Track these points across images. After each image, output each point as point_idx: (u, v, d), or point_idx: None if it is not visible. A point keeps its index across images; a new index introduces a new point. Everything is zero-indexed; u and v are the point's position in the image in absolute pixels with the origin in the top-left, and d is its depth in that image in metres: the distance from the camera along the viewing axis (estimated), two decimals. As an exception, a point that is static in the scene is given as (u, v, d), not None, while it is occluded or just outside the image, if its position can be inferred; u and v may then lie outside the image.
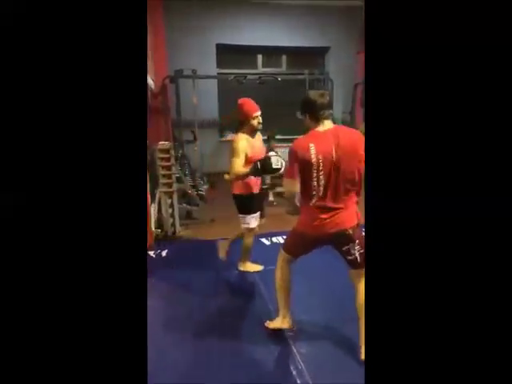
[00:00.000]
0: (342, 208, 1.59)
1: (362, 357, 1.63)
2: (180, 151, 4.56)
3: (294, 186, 1.62)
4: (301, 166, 1.55)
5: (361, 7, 5.87)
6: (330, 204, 1.57)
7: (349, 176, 1.55)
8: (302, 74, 5.86)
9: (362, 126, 5.73)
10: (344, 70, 6.33)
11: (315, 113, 1.58)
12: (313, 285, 2.41)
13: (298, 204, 1.70)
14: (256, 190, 2.40)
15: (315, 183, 1.55)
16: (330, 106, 1.62)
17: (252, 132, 2.32)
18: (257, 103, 2.35)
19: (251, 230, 2.45)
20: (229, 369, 1.72)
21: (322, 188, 1.55)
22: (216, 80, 5.94)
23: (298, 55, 6.47)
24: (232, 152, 2.25)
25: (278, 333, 1.90)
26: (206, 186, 4.84)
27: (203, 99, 5.66)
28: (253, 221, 2.41)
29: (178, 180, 3.51)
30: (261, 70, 6.38)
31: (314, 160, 1.52)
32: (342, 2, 5.98)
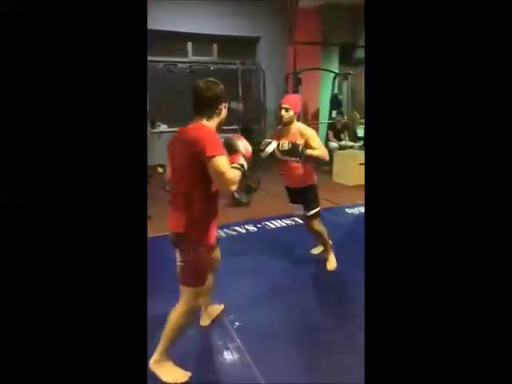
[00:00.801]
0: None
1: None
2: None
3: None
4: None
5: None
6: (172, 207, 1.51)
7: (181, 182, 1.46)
8: (234, 63, 5.84)
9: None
10: (275, 61, 6.42)
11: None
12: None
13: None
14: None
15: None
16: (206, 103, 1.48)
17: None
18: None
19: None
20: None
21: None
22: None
23: (229, 44, 6.40)
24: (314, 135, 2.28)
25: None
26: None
27: (131, 88, 5.35)
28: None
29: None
30: (191, 58, 6.19)
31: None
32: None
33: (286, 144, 2.13)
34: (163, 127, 5.92)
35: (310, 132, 2.25)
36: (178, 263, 1.45)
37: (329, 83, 6.69)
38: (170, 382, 1.48)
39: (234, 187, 1.33)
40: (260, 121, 6.50)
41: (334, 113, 6.65)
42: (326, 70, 6.55)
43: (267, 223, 3.43)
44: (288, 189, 2.47)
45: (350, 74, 6.31)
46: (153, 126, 6.02)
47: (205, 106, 1.42)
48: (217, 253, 1.74)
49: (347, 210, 3.79)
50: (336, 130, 6.03)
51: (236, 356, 1.69)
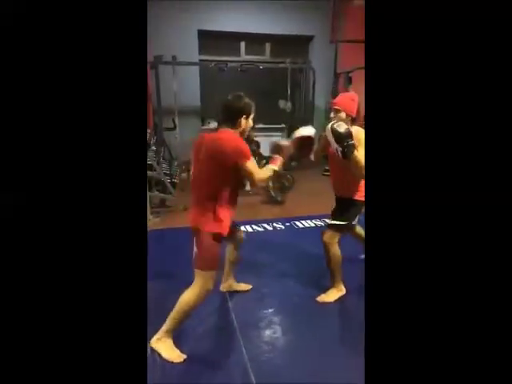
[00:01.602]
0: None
1: None
2: (154, 138, 4.56)
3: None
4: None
5: None
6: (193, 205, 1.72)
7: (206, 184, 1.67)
8: (284, 62, 5.85)
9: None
10: (327, 60, 6.32)
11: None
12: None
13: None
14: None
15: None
16: (230, 114, 1.65)
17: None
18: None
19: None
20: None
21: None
22: (198, 67, 5.89)
23: (282, 43, 6.43)
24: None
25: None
26: (184, 174, 4.87)
27: (185, 86, 5.63)
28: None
29: (149, 168, 3.53)
30: (244, 57, 6.34)
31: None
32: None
33: (342, 126, 1.74)
34: (213, 125, 6.14)
35: (360, 139, 1.82)
36: (194, 250, 1.63)
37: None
38: (168, 359, 1.63)
39: (263, 184, 1.62)
40: (308, 120, 6.45)
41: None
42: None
43: (296, 222, 3.44)
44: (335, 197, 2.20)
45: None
46: (203, 123, 6.28)
47: (229, 117, 1.61)
48: (240, 233, 2.03)
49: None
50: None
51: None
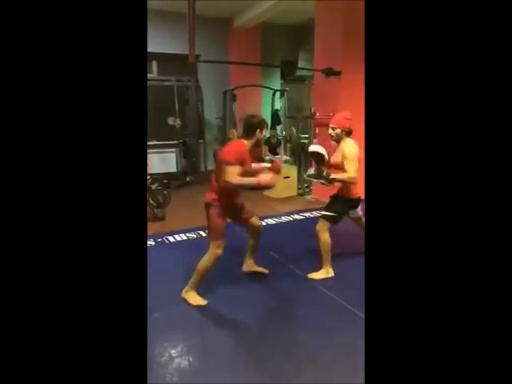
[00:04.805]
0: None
1: None
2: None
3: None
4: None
5: (229, 19, 6.19)
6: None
7: None
8: (170, 80, 5.97)
9: (234, 132, 6.06)
10: (215, 78, 6.60)
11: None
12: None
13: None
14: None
15: None
16: (247, 129, 2.26)
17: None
18: None
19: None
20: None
21: None
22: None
23: (168, 61, 6.55)
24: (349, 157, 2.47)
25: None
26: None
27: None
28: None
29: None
30: (131, 74, 6.29)
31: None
32: (212, 13, 6.24)
33: (311, 170, 2.53)
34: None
35: (347, 152, 2.44)
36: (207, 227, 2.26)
37: (269, 99, 6.91)
38: (194, 304, 2.26)
39: (229, 185, 2.11)
40: (200, 134, 6.63)
41: (278, 128, 6.85)
42: (263, 87, 6.78)
43: (169, 237, 3.51)
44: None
45: (286, 90, 6.55)
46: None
47: (245, 130, 2.24)
48: (256, 221, 2.51)
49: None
50: (271, 145, 6.22)
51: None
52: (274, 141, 6.21)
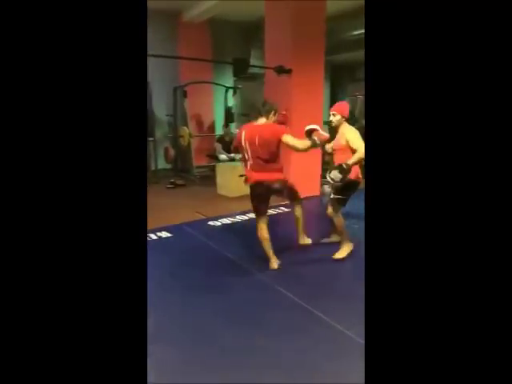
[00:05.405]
0: (266, 171, 2.58)
1: None
2: None
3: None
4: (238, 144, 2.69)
5: (177, 13, 6.01)
6: (256, 168, 2.59)
7: (266, 153, 2.53)
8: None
9: (185, 129, 5.90)
10: (165, 74, 6.39)
11: (255, 112, 2.63)
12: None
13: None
14: None
15: (246, 156, 2.62)
16: (266, 110, 2.60)
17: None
18: None
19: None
20: None
21: (250, 159, 2.61)
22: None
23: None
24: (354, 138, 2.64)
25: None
26: None
27: None
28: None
29: None
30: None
31: (243, 142, 2.60)
32: (160, 5, 6.01)
33: (336, 173, 2.49)
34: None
35: (349, 134, 2.63)
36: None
37: (222, 96, 6.83)
38: (274, 267, 2.69)
39: (301, 149, 2.46)
40: (151, 129, 6.40)
41: (233, 125, 6.79)
42: (215, 84, 6.68)
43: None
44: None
45: (238, 88, 6.51)
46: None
47: (264, 111, 2.59)
48: (298, 210, 2.94)
49: (209, 223, 3.85)
50: (225, 143, 6.15)
51: None
52: (227, 138, 6.15)
